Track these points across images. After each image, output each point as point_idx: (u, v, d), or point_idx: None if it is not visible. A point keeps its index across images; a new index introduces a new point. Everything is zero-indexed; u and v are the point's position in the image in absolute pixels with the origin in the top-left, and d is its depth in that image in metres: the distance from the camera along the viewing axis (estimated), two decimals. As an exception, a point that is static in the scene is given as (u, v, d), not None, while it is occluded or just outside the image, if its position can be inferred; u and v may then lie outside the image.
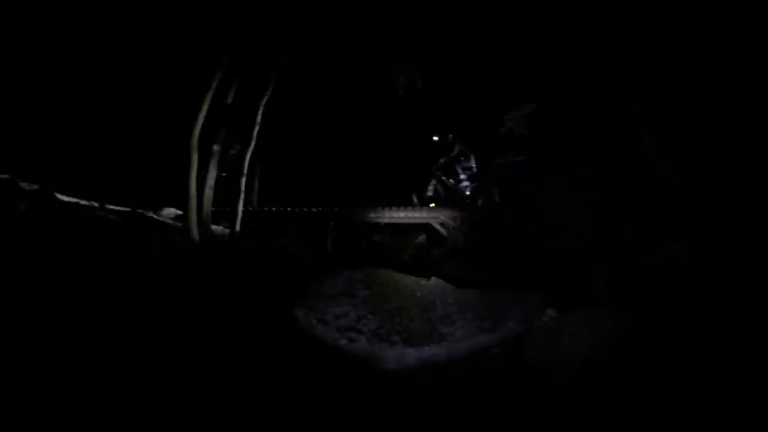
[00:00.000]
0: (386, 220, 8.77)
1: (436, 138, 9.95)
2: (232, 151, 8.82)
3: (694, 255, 4.91)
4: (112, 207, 7.29)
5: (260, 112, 8.41)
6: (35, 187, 6.85)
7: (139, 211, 7.55)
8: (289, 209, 8.75)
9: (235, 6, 7.14)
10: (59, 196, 6.96)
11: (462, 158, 9.47)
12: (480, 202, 9.66)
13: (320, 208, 8.95)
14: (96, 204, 7.21)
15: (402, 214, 8.60)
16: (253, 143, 8.46)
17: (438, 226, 8.50)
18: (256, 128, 8.42)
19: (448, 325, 5.13)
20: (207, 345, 4.31)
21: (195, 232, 7.06)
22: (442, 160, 9.61)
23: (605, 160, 6.94)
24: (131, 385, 3.55)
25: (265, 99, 8.43)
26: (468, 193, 9.36)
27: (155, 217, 7.62)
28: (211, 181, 7.64)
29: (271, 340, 4.69)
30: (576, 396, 3.82)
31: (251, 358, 4.30)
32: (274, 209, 8.84)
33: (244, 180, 8.49)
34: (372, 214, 8.67)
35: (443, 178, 9.45)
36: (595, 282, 5.31)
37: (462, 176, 9.42)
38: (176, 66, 8.32)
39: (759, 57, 5.44)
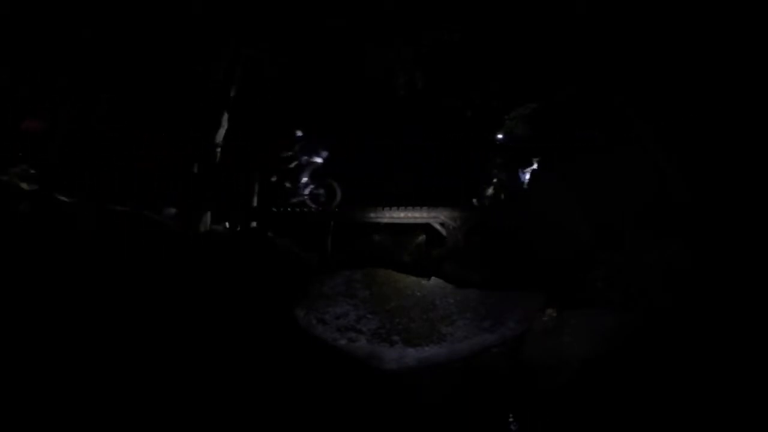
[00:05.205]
0: (386, 220, 8.73)
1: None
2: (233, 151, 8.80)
3: (694, 255, 4.91)
4: (112, 207, 7.28)
5: (260, 111, 8.42)
6: (35, 187, 6.85)
7: (139, 211, 7.54)
8: (289, 209, 8.72)
9: (237, 7, 7.15)
10: (59, 196, 6.96)
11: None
12: (479, 202, 9.66)
13: (320, 208, 8.93)
14: (96, 204, 7.20)
15: (402, 214, 8.57)
16: (253, 143, 8.47)
17: (438, 226, 8.47)
18: (256, 128, 8.42)
19: (448, 325, 5.13)
20: (206, 345, 4.32)
21: (195, 232, 7.07)
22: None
23: (605, 160, 6.93)
24: (131, 385, 3.55)
25: (265, 98, 8.44)
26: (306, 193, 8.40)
27: (155, 217, 7.60)
28: (211, 180, 7.65)
29: (270, 340, 4.70)
30: (576, 396, 3.83)
31: (251, 357, 4.31)
32: (274, 209, 8.81)
33: (244, 180, 8.50)
34: (372, 214, 8.64)
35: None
36: (595, 282, 5.31)
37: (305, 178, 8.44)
38: (175, 65, 8.32)
39: (759, 57, 5.45)
